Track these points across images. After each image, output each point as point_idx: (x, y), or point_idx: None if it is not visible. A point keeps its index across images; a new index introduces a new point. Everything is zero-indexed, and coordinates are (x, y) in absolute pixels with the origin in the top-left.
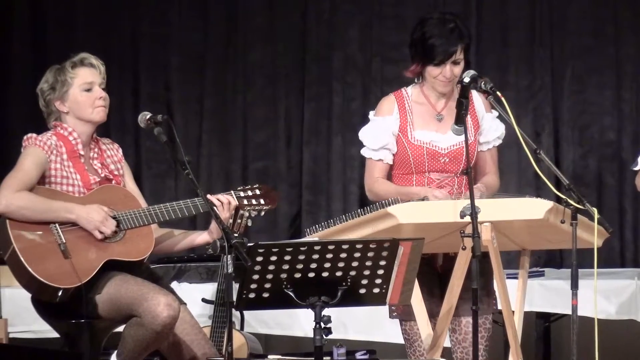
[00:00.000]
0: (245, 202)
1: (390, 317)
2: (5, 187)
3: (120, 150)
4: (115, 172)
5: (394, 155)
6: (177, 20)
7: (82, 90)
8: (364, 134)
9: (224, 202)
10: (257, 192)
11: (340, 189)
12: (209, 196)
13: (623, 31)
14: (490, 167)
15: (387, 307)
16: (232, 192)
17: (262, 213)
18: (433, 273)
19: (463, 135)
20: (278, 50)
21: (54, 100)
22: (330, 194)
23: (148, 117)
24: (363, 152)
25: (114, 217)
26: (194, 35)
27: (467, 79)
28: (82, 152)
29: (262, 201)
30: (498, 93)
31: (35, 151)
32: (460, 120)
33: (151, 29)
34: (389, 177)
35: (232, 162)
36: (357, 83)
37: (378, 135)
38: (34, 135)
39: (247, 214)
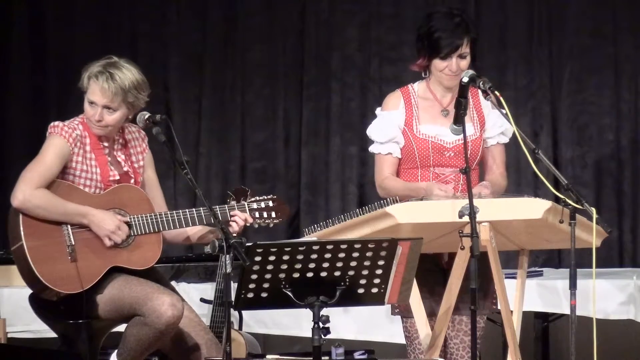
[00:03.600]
0: (257, 214)
1: (392, 313)
2: (25, 181)
3: (146, 140)
4: (136, 164)
5: (401, 149)
6: (176, 20)
7: (89, 103)
8: (371, 130)
9: (241, 224)
10: (270, 204)
11: (338, 188)
12: (227, 209)
13: (622, 31)
14: (499, 165)
15: (386, 306)
16: (245, 203)
17: (271, 225)
18: (437, 271)
19: (467, 130)
20: (277, 50)
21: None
22: (329, 194)
23: (147, 116)
24: (371, 148)
25: (126, 222)
26: (192, 35)
27: (465, 79)
28: (105, 144)
29: (272, 214)
30: (497, 93)
31: (59, 142)
32: (458, 120)
33: (150, 28)
34: (397, 172)
35: (230, 162)
36: (356, 83)
37: (385, 129)
38: (60, 124)
39: (255, 225)
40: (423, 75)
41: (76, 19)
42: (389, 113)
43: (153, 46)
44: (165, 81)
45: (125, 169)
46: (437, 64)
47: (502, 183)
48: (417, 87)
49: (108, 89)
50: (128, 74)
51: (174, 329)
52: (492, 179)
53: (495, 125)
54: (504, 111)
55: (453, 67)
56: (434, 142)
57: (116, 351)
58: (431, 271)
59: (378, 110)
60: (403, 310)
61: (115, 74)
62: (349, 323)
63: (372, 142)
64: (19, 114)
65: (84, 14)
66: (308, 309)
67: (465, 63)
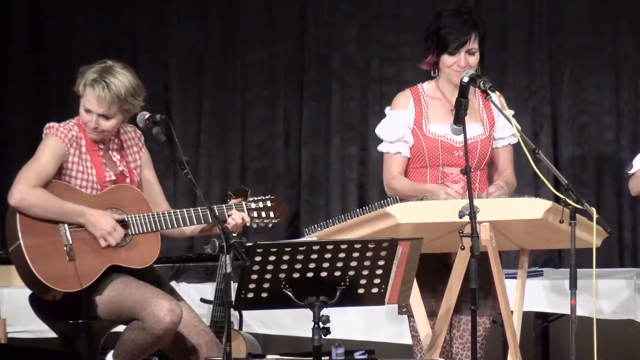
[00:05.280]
0: (255, 214)
1: (399, 313)
2: (21, 180)
3: (142, 138)
4: (132, 165)
5: (410, 148)
6: (176, 20)
7: (85, 109)
8: (380, 128)
9: (237, 222)
10: (269, 203)
11: (339, 188)
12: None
13: (622, 31)
14: (508, 165)
15: (386, 306)
16: (243, 203)
17: (270, 225)
18: (444, 270)
19: (476, 130)
20: (277, 50)
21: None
22: (329, 194)
23: (147, 116)
24: (380, 147)
25: (123, 221)
26: (192, 35)
27: (465, 79)
28: (101, 146)
29: (271, 214)
30: (497, 93)
31: (55, 143)
32: (458, 120)
33: (150, 28)
34: (405, 171)
35: (230, 162)
36: (356, 83)
37: (394, 129)
38: (56, 125)
39: (254, 225)
40: (432, 74)
41: (76, 18)
42: (399, 112)
43: (153, 46)
44: (165, 81)
45: (120, 168)
46: (446, 59)
47: (515, 182)
48: (427, 87)
49: (104, 98)
50: (124, 80)
51: (172, 334)
52: (506, 179)
53: (506, 126)
54: (504, 112)
55: (461, 63)
56: (443, 142)
57: (112, 352)
58: (438, 270)
59: (387, 110)
60: (410, 310)
61: (111, 83)
62: (349, 323)
63: (380, 141)
64: (19, 114)
65: (84, 13)
66: (308, 309)
67: (474, 60)
